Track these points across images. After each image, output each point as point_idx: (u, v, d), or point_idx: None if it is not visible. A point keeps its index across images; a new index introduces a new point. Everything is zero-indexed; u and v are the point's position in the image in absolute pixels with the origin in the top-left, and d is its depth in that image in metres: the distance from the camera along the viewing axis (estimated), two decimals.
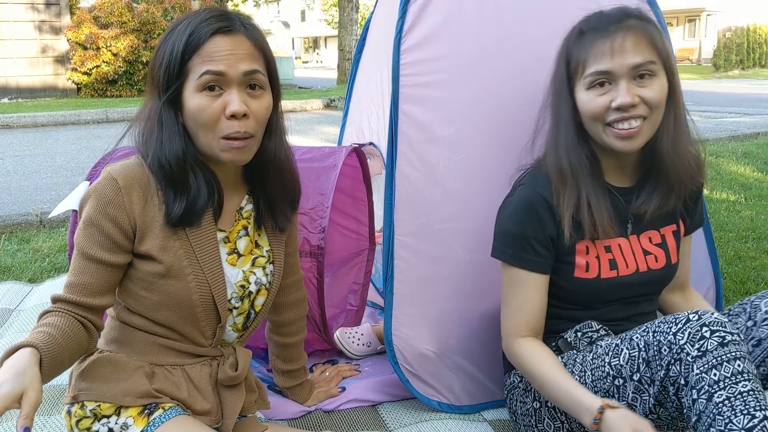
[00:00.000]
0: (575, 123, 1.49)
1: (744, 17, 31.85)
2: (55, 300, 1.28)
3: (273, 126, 1.40)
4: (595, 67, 1.41)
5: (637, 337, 1.35)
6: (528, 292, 1.50)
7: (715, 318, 1.25)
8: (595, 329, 1.52)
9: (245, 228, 1.45)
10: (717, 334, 1.23)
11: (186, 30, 1.28)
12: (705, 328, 1.24)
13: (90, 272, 1.28)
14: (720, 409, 1.18)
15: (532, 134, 1.62)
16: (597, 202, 1.46)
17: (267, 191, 1.46)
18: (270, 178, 1.45)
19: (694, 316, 1.27)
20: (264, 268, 1.48)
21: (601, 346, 1.43)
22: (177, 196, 1.30)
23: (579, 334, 1.53)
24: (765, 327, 1.43)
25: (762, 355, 1.43)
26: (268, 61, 1.35)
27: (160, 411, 1.33)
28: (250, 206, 1.47)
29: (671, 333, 1.27)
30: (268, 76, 1.34)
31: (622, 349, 1.36)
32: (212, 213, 1.37)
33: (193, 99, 1.27)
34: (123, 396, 1.32)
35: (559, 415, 1.49)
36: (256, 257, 1.47)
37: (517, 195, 1.53)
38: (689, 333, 1.25)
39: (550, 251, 1.50)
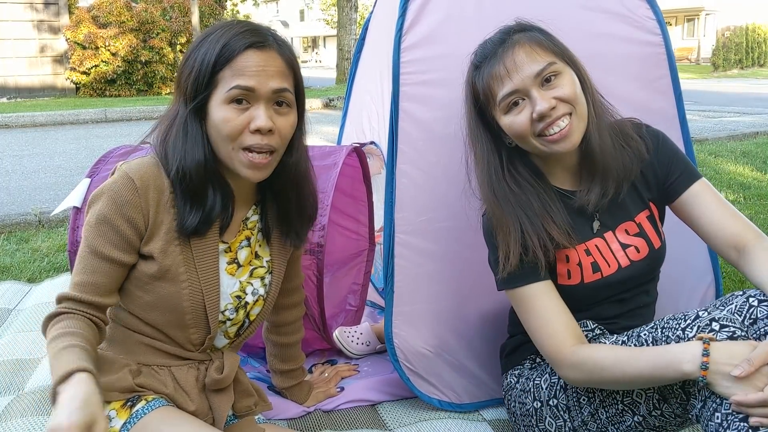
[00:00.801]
0: (497, 155, 1.50)
1: (743, 16, 31.93)
2: (64, 299, 1.27)
3: (295, 143, 1.39)
4: (502, 92, 1.42)
5: (645, 334, 1.35)
6: (542, 304, 1.45)
7: (725, 314, 1.26)
8: (590, 328, 1.52)
9: (248, 239, 1.45)
10: (727, 329, 1.23)
11: (219, 41, 1.27)
12: (715, 323, 1.25)
13: (102, 271, 1.28)
14: None
15: (466, 176, 1.62)
16: (545, 220, 1.46)
17: (282, 206, 1.46)
18: (287, 194, 1.44)
19: (703, 313, 1.28)
20: (262, 278, 1.47)
21: (606, 344, 1.43)
22: (193, 207, 1.30)
23: None
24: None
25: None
26: (297, 80, 1.35)
27: (143, 402, 1.33)
28: (255, 217, 1.47)
29: (680, 329, 1.28)
30: (295, 95, 1.34)
31: (629, 346, 1.36)
32: (218, 224, 1.36)
33: (220, 111, 1.27)
34: (106, 392, 1.32)
35: (561, 413, 1.49)
36: (255, 268, 1.46)
37: (482, 228, 1.57)
38: (698, 327, 1.25)
39: (533, 261, 1.47)
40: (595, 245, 1.52)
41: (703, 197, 1.51)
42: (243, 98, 1.26)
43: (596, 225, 1.53)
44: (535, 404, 1.55)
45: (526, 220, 1.45)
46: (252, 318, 1.48)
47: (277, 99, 1.29)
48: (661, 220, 1.60)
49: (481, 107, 1.49)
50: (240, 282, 1.43)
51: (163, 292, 1.32)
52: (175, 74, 1.37)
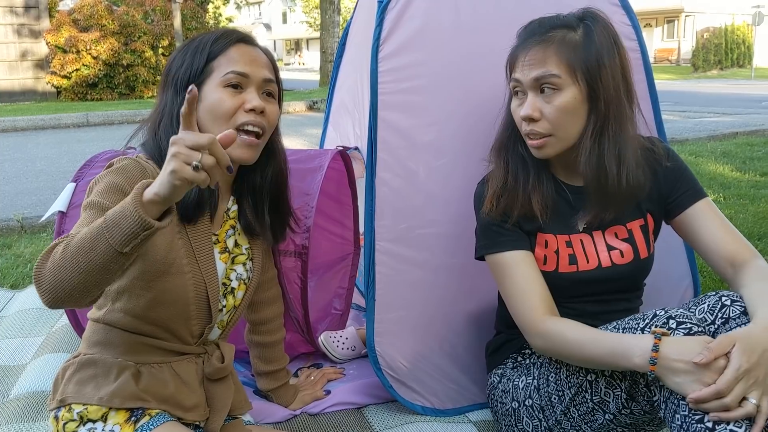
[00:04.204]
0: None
1: (722, 18, 32.21)
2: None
3: (277, 146, 1.50)
4: (513, 74, 1.49)
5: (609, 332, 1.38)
6: (520, 272, 1.50)
7: (681, 311, 1.29)
8: None
9: (233, 227, 1.51)
10: (683, 325, 1.26)
11: (210, 37, 1.40)
12: (672, 321, 1.27)
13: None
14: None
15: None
16: (533, 188, 1.51)
17: (257, 204, 1.52)
18: (262, 194, 1.51)
19: (661, 311, 1.30)
20: (244, 264, 1.53)
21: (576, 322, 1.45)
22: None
23: None
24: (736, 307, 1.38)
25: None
26: (278, 80, 1.45)
27: (147, 418, 1.34)
28: (235, 207, 1.53)
29: (639, 328, 1.30)
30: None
31: None
32: (209, 215, 1.42)
33: (215, 93, 1.34)
34: (110, 398, 1.33)
35: (536, 413, 1.51)
36: (236, 255, 1.51)
37: (474, 195, 1.62)
38: (656, 326, 1.28)
39: (516, 231, 1.53)
40: (580, 240, 1.55)
41: (707, 214, 1.54)
42: (238, 84, 1.35)
43: (582, 223, 1.56)
44: (513, 404, 1.57)
45: (515, 180, 1.53)
46: (237, 304, 1.52)
47: (266, 88, 1.40)
48: (655, 234, 1.62)
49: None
50: (225, 269, 1.48)
51: (169, 285, 1.34)
52: (160, 76, 1.44)
